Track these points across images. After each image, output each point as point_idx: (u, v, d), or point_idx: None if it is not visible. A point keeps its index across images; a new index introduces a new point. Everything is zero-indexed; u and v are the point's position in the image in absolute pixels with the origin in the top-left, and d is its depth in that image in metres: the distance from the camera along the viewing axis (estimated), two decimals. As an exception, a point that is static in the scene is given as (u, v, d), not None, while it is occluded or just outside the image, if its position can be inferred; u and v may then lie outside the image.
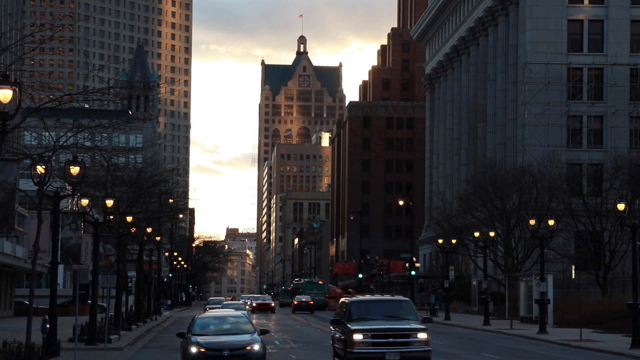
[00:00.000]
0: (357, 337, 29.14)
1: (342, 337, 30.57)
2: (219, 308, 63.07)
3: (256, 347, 29.25)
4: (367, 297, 34.31)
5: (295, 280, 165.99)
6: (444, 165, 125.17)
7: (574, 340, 45.62)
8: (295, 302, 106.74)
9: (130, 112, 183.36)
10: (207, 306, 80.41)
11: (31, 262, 32.86)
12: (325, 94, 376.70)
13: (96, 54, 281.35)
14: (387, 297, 35.60)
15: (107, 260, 48.10)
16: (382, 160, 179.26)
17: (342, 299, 33.67)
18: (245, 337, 29.69)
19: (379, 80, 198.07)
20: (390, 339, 29.22)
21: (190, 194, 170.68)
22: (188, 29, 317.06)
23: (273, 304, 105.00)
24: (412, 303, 32.28)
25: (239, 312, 33.56)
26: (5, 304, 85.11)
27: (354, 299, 32.33)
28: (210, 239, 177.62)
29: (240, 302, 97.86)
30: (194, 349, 28.92)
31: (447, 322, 70.23)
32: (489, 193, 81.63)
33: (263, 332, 31.13)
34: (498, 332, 57.01)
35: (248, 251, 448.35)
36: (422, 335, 29.46)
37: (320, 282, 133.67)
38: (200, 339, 29.37)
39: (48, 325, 32.39)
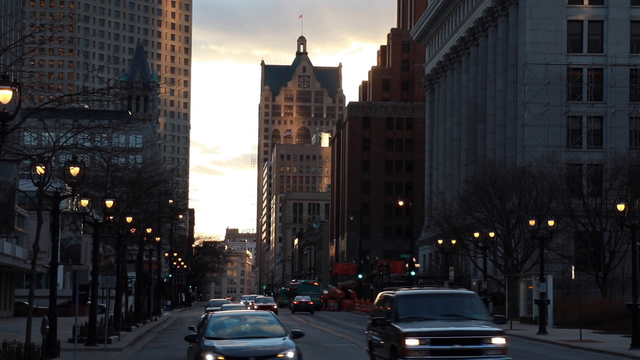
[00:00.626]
0: (411, 342, 22.61)
1: (387, 343, 24.07)
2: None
3: (290, 354, 22.92)
4: (418, 289, 26.85)
5: (292, 282, 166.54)
6: (443, 166, 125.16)
7: (573, 341, 45.63)
8: (295, 303, 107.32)
9: (130, 113, 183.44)
10: (208, 308, 80.00)
11: (31, 262, 32.86)
12: (325, 95, 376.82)
13: (96, 55, 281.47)
14: (445, 289, 27.61)
15: (106, 260, 48.10)
16: (382, 161, 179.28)
17: (382, 293, 27.11)
18: (276, 342, 23.50)
19: (379, 81, 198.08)
20: (456, 346, 22.52)
21: (190, 195, 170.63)
22: (188, 29, 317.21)
23: (275, 306, 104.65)
24: (480, 298, 25.45)
25: (263, 310, 26.37)
26: (5, 305, 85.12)
27: (401, 292, 25.39)
28: (210, 240, 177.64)
29: (241, 303, 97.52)
30: (209, 357, 22.76)
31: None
32: (488, 193, 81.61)
33: (296, 335, 24.44)
34: (498, 332, 56.87)
35: (248, 252, 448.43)
36: (498, 341, 22.82)
37: (315, 284, 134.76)
38: (216, 344, 23.21)
39: (48, 326, 32.37)
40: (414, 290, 26.24)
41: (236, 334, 24.33)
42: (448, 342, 22.60)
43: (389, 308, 24.95)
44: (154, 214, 76.24)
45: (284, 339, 23.69)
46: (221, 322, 24.95)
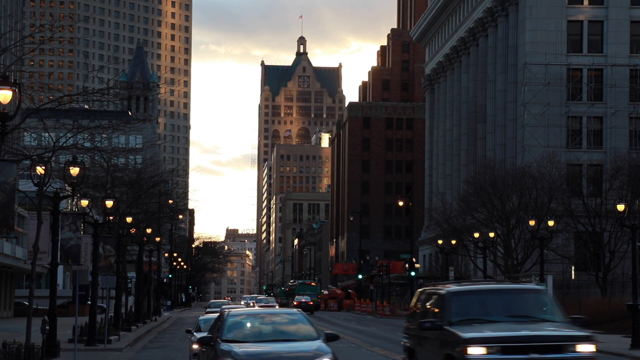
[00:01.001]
0: (476, 351, 18.08)
1: (439, 352, 19.54)
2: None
3: None
4: (474, 285, 21.73)
5: (291, 282, 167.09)
6: (443, 166, 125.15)
7: (573, 341, 45.51)
8: (295, 303, 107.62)
9: (129, 113, 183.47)
10: (207, 310, 79.78)
11: (31, 262, 32.86)
12: (325, 95, 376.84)
13: (96, 55, 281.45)
14: (507, 284, 22.29)
15: (106, 261, 48.10)
16: (382, 161, 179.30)
17: (424, 290, 22.64)
18: (307, 346, 19.47)
19: (379, 81, 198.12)
20: (534, 355, 18.05)
21: (190, 195, 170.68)
22: (188, 29, 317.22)
23: (277, 306, 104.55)
24: (551, 294, 20.74)
25: (292, 309, 22.25)
26: (5, 305, 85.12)
27: (453, 288, 20.64)
28: (210, 240, 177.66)
29: (242, 303, 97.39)
30: None
31: (447, 322, 69.93)
32: (488, 194, 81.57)
33: (331, 338, 20.52)
34: (498, 332, 56.69)
35: (248, 252, 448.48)
36: (585, 348, 18.29)
37: (312, 284, 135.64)
38: (236, 348, 19.16)
39: (48, 326, 32.37)
40: (469, 286, 21.16)
41: (259, 335, 20.30)
42: (522, 351, 18.00)
43: (436, 308, 20.42)
44: (154, 214, 76.26)
45: (317, 343, 19.62)
46: (240, 321, 20.85)
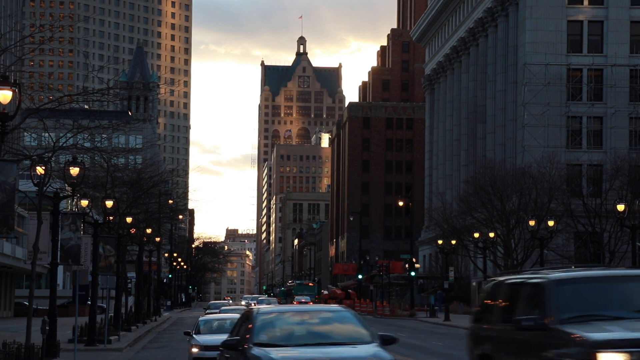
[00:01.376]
0: (611, 358, 13.37)
1: (546, 358, 14.51)
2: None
3: None
4: (583, 271, 16.09)
5: (289, 283, 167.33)
6: (443, 166, 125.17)
7: (573, 341, 45.38)
8: (295, 303, 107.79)
9: (129, 113, 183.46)
10: (207, 311, 79.41)
11: (31, 263, 32.86)
12: (325, 95, 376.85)
13: (96, 55, 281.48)
14: (626, 270, 17.06)
15: (106, 261, 48.09)
16: (382, 161, 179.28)
17: (503, 279, 17.43)
18: (362, 352, 15.68)
19: (379, 81, 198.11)
20: None
21: (190, 195, 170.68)
22: (187, 29, 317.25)
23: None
24: None
25: (335, 305, 18.20)
26: (5, 305, 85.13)
27: (555, 275, 15.47)
28: (209, 240, 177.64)
29: (243, 304, 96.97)
30: None
31: (447, 323, 70.27)
32: (488, 194, 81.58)
33: (387, 341, 16.49)
34: (498, 332, 56.58)
35: (248, 252, 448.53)
36: None
37: (310, 284, 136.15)
38: (273, 353, 15.58)
39: (48, 326, 32.36)
40: (577, 272, 15.85)
41: (298, 338, 16.52)
42: None
43: (531, 303, 15.64)
44: (154, 214, 76.28)
45: (374, 348, 15.90)
46: (273, 321, 17.05)
